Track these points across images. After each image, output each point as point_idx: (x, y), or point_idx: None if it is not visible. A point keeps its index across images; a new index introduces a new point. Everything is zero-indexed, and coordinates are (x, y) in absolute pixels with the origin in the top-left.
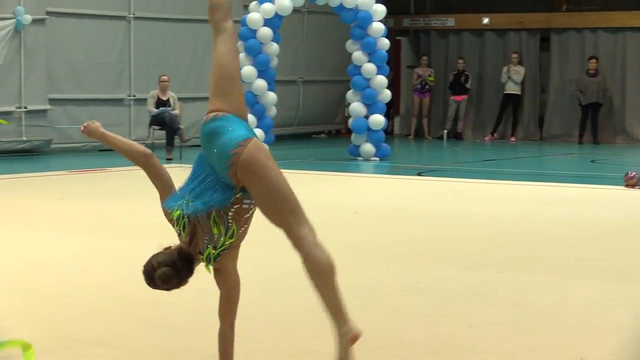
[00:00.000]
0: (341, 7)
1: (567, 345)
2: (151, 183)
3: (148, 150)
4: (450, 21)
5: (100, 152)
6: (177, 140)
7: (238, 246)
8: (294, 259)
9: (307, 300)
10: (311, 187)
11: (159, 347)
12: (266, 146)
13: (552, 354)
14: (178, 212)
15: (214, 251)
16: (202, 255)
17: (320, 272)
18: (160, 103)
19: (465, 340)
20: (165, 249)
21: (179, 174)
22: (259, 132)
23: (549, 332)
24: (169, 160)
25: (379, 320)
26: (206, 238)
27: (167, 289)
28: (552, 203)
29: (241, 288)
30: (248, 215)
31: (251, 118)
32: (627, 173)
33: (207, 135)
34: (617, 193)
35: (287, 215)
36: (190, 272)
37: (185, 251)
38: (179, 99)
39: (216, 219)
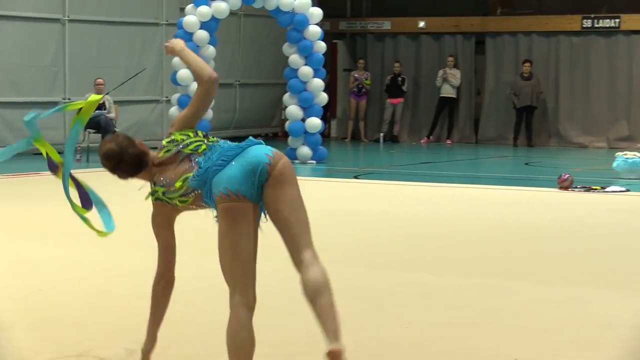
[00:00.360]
0: (278, 10)
1: (502, 346)
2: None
3: (215, 75)
4: (386, 24)
5: (35, 155)
6: None
7: (174, 215)
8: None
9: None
10: None
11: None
12: None
13: (488, 355)
14: (193, 144)
15: (160, 194)
16: (153, 185)
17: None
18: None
19: (402, 342)
20: (138, 142)
21: (116, 178)
22: None
23: (484, 333)
24: None
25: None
26: (167, 180)
27: (107, 166)
28: (487, 205)
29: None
30: (201, 204)
31: None
32: (561, 175)
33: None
34: (551, 195)
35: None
36: (129, 170)
37: (144, 152)
38: (115, 102)
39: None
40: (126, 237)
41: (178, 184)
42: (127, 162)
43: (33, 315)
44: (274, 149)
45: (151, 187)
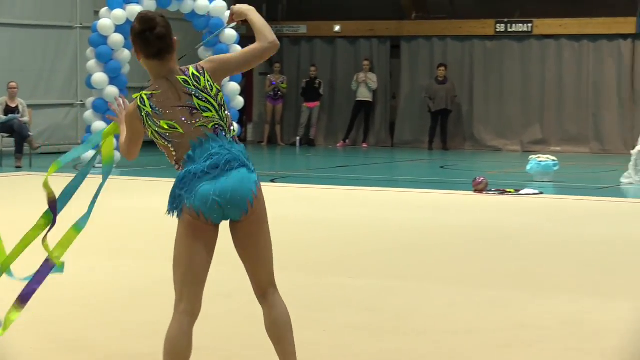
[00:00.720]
0: (193, 13)
1: (422, 348)
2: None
3: (277, 42)
4: (302, 28)
5: None
6: (26, 148)
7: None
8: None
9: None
10: (163, 195)
11: None
12: None
13: (407, 357)
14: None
15: (146, 110)
16: (149, 91)
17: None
18: (8, 110)
19: (321, 346)
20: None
21: (30, 181)
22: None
23: (403, 336)
24: (19, 168)
25: (235, 327)
26: (159, 108)
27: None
28: (404, 208)
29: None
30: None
31: (103, 125)
32: (475, 178)
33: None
34: (466, 198)
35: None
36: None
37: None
38: (29, 105)
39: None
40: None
41: (163, 125)
42: (169, 39)
43: None
44: (257, 184)
45: (144, 93)
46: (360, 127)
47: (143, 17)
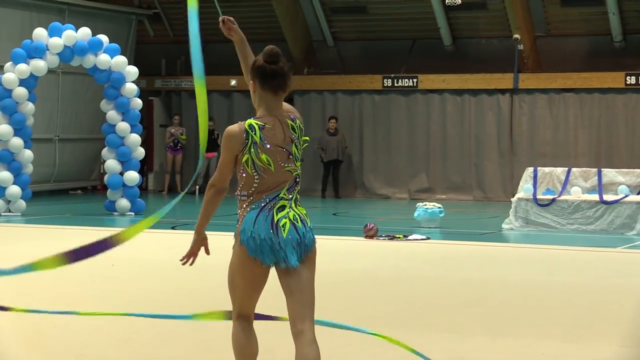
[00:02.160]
0: (95, 68)
1: None
2: None
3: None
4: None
5: None
6: None
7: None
8: None
9: None
10: (69, 242)
11: None
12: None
13: None
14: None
15: (255, 139)
16: (259, 123)
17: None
18: None
19: None
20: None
21: None
22: (15, 189)
23: None
24: None
25: None
26: (268, 142)
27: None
28: None
29: None
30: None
31: (8, 175)
32: (367, 225)
33: None
34: (358, 244)
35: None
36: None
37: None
38: None
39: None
40: None
41: (264, 157)
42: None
43: None
44: (314, 240)
45: (255, 122)
46: None
47: (270, 51)
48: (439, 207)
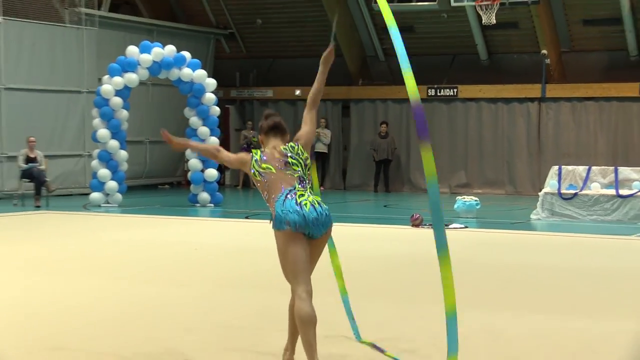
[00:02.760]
0: (179, 80)
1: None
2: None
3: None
4: (269, 92)
5: None
6: (44, 191)
7: (248, 164)
8: None
9: None
10: (159, 229)
11: None
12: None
13: None
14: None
15: (257, 157)
16: (261, 148)
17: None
18: (29, 160)
19: None
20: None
21: (46, 218)
22: (113, 184)
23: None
24: (38, 207)
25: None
26: (265, 157)
27: (269, 123)
28: (355, 240)
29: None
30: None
31: (106, 172)
32: (413, 215)
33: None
34: (405, 231)
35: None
36: (281, 133)
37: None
38: (45, 156)
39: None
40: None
41: (263, 165)
42: (282, 128)
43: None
44: (330, 221)
45: (261, 148)
46: (318, 173)
47: (273, 119)
48: (476, 200)
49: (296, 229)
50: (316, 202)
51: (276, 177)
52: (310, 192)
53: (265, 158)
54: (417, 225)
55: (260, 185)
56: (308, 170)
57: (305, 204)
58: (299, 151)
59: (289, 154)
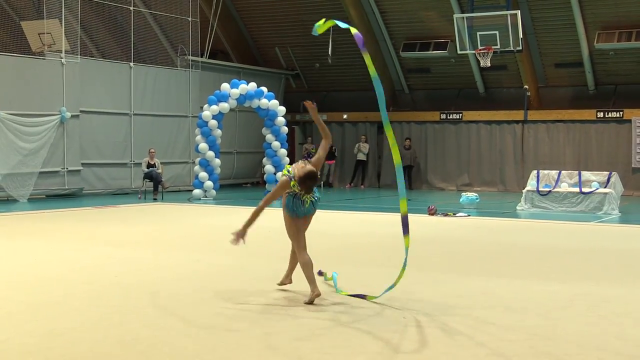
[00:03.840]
0: (259, 108)
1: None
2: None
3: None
4: (324, 117)
5: (114, 195)
6: (160, 188)
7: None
8: None
9: None
10: (243, 215)
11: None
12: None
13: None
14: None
15: (294, 184)
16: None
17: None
18: (149, 165)
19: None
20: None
21: (162, 208)
22: (209, 183)
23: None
24: (155, 200)
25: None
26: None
27: (306, 180)
28: (386, 226)
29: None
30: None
31: (205, 175)
32: (430, 206)
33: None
34: (424, 219)
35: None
36: (313, 184)
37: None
38: (161, 162)
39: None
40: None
41: (292, 184)
42: (315, 179)
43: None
44: (316, 205)
45: (295, 181)
46: (359, 175)
47: (309, 173)
48: (476, 196)
49: (295, 216)
50: (312, 200)
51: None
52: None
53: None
54: (432, 214)
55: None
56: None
57: (305, 202)
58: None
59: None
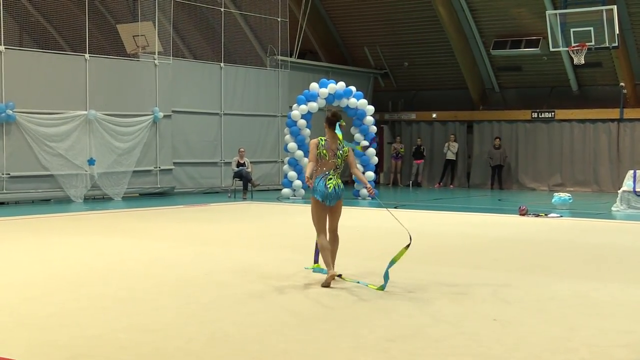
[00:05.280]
0: (347, 107)
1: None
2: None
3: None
4: (413, 116)
5: (204, 193)
6: (249, 187)
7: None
8: None
9: None
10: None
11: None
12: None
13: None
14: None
15: (322, 143)
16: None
17: (320, 247)
18: (239, 165)
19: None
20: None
21: (251, 206)
22: (298, 183)
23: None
24: (244, 199)
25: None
26: (326, 144)
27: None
28: (476, 226)
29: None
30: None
31: (294, 174)
32: (520, 207)
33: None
34: (515, 219)
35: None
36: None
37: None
38: (251, 161)
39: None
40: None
41: (323, 152)
42: (336, 114)
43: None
44: (340, 197)
45: (323, 138)
46: (448, 175)
47: (335, 112)
48: (569, 196)
49: (320, 200)
50: (336, 185)
51: (324, 162)
52: (336, 177)
53: (325, 145)
54: (523, 215)
55: (317, 162)
56: (342, 163)
57: (329, 186)
58: (344, 151)
59: (339, 151)
